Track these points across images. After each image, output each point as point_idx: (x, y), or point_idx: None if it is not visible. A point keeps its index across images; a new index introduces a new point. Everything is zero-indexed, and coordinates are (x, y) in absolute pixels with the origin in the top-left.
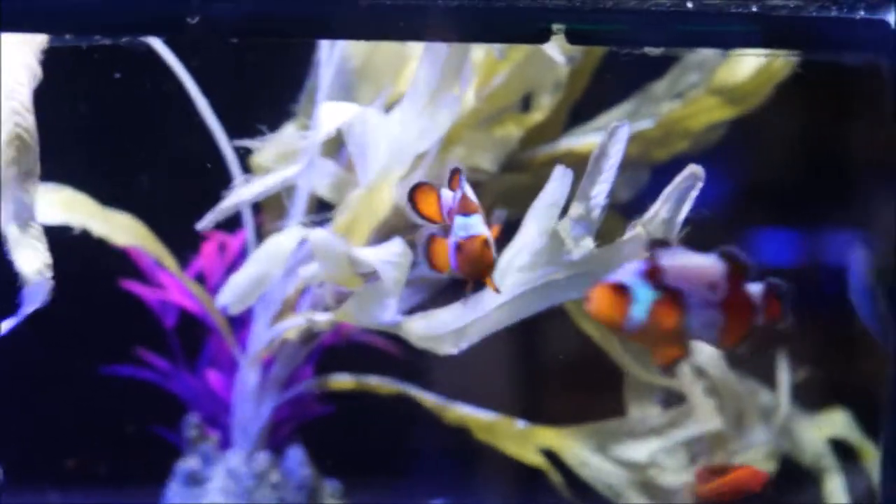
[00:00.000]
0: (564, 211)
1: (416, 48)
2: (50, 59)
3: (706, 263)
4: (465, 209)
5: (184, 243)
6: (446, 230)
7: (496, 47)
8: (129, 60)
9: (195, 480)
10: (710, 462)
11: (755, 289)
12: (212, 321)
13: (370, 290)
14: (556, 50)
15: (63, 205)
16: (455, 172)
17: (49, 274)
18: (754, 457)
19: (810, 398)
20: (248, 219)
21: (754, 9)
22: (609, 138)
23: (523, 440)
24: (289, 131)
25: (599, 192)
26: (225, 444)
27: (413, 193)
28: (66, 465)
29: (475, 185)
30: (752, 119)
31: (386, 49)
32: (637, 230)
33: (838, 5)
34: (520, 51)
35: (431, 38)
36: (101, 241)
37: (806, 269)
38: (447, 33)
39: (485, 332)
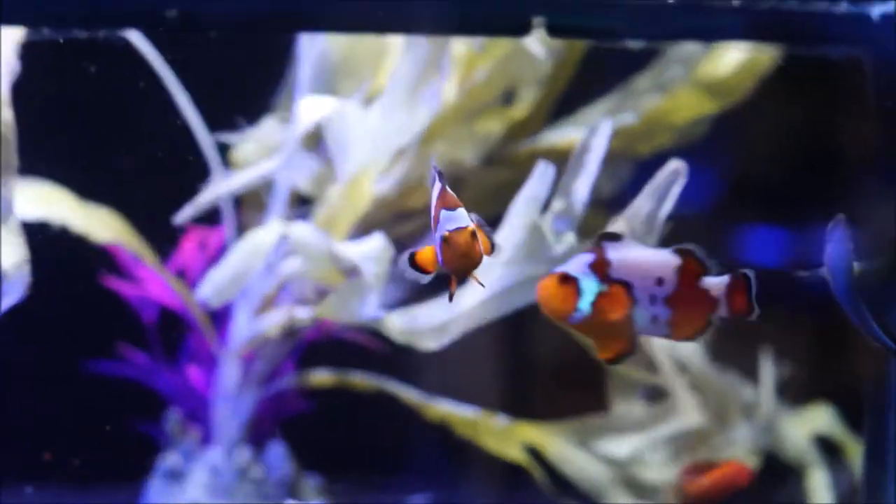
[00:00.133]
0: (547, 206)
1: (396, 42)
2: (28, 53)
3: (655, 258)
4: (448, 204)
5: (164, 238)
6: None
7: (476, 41)
8: (108, 54)
9: (176, 476)
10: (694, 458)
11: (716, 282)
12: (192, 317)
13: (351, 286)
14: (536, 43)
15: (42, 200)
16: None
17: (27, 269)
18: (737, 453)
19: (794, 394)
20: (229, 214)
21: (736, 2)
22: (591, 133)
23: (505, 436)
24: (268, 125)
25: (582, 187)
26: (206, 439)
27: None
28: (45, 459)
29: (457, 180)
30: (736, 113)
31: (366, 43)
32: (619, 225)
33: None
34: (502, 45)
35: (411, 31)
36: (80, 236)
37: (789, 263)
38: (427, 26)
39: (467, 328)
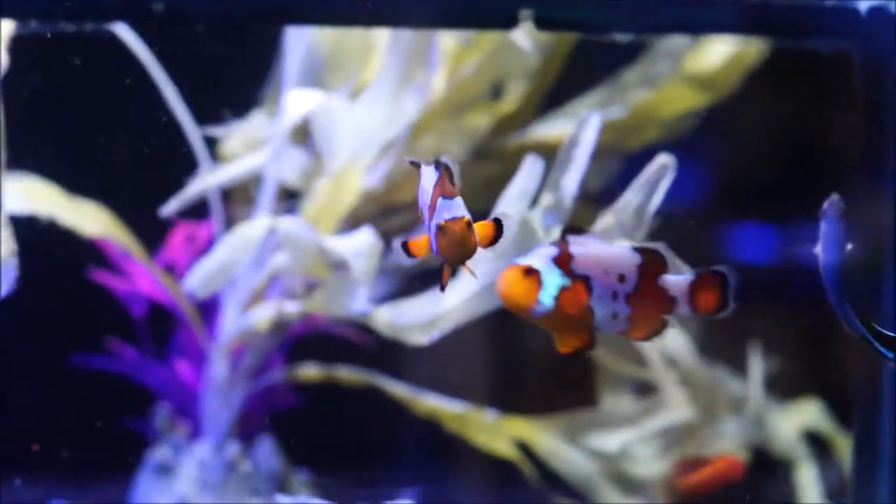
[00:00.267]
0: (536, 200)
1: (383, 35)
2: (15, 47)
3: (618, 254)
4: (446, 192)
5: (152, 233)
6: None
7: (463, 34)
8: (95, 48)
9: (165, 470)
10: (683, 452)
11: (676, 281)
12: (181, 311)
13: (340, 281)
14: (524, 36)
15: (30, 194)
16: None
17: (15, 262)
18: (726, 447)
19: (783, 388)
20: (217, 208)
21: None
22: (580, 127)
23: (494, 431)
24: (256, 119)
25: (571, 181)
26: (195, 434)
27: None
28: (34, 452)
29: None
30: (724, 107)
31: (354, 36)
32: (608, 220)
33: None
34: (489, 39)
35: (399, 25)
36: (68, 230)
37: (778, 258)
38: (414, 19)
39: (456, 323)
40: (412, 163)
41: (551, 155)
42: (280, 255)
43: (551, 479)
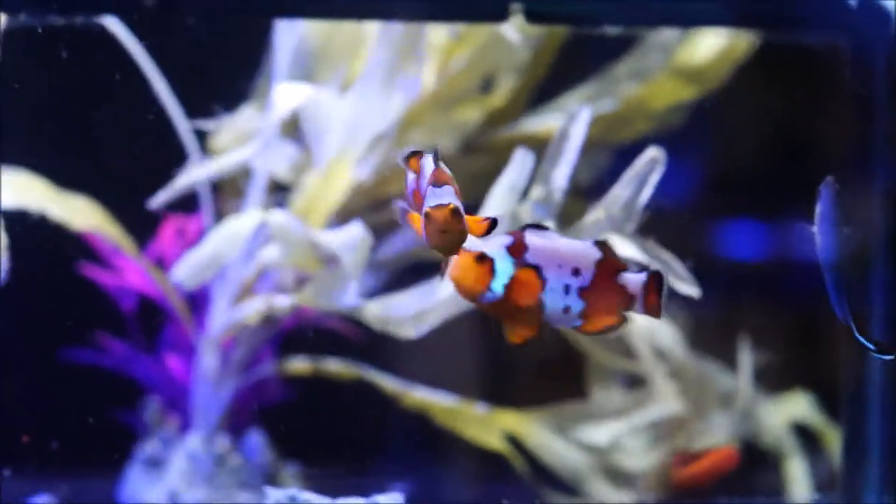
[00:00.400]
0: (526, 193)
1: (374, 29)
2: (4, 41)
3: (575, 248)
4: (436, 180)
5: (142, 226)
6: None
7: (453, 28)
8: (85, 41)
9: (155, 464)
10: (673, 445)
11: (635, 279)
12: (171, 305)
13: (330, 274)
14: (513, 30)
15: (20, 188)
16: (415, 154)
17: (5, 256)
18: (716, 440)
19: (772, 381)
20: (207, 201)
21: None
22: (570, 120)
23: (484, 424)
24: (246, 112)
25: (561, 174)
26: (185, 427)
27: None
28: (23, 443)
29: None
30: (714, 100)
31: (344, 29)
32: (598, 213)
33: None
34: (480, 32)
35: (389, 18)
36: (58, 224)
37: (768, 251)
38: (405, 13)
39: (445, 316)
40: (409, 154)
41: (542, 148)
42: (270, 248)
43: (541, 471)
